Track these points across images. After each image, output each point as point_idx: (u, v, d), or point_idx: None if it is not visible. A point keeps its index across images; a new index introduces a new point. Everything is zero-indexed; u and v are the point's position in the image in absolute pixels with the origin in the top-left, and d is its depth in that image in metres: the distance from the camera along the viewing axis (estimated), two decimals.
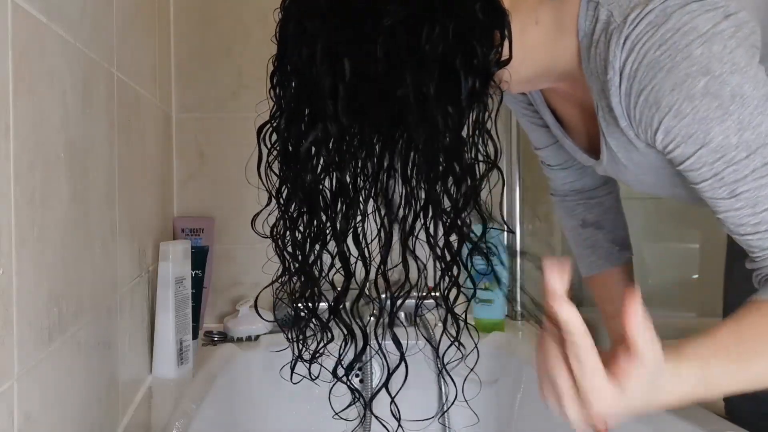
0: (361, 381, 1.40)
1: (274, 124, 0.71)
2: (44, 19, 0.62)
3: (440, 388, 1.40)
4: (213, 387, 1.12)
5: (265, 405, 1.34)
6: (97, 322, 0.80)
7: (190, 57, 1.45)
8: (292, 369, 0.83)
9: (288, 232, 0.74)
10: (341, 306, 0.75)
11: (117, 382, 0.89)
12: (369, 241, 0.70)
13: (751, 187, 0.62)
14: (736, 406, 0.95)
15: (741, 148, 0.61)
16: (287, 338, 0.82)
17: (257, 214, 0.76)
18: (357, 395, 0.85)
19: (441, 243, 0.69)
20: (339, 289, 0.74)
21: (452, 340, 0.79)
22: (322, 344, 0.81)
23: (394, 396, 0.82)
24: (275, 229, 0.75)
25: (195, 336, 1.25)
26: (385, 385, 0.81)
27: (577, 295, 1.94)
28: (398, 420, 0.84)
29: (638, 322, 0.56)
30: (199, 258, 1.28)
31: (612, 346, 0.59)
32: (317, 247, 0.73)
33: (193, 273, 1.21)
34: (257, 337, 1.37)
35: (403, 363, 0.78)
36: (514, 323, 1.51)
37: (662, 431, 0.88)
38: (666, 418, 0.88)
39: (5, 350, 0.53)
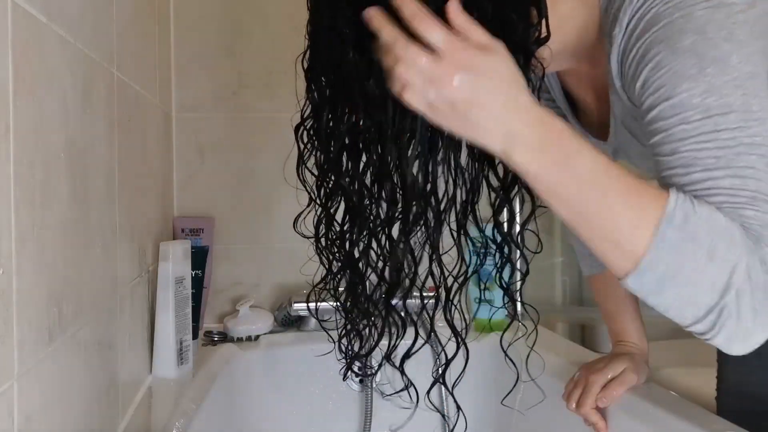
0: (361, 381, 1.40)
1: (310, 123, 0.70)
2: (44, 19, 0.62)
3: (441, 391, 1.40)
4: (213, 387, 1.12)
5: (265, 405, 1.34)
6: (97, 322, 0.80)
7: (190, 57, 1.45)
8: (348, 368, 0.84)
9: (330, 229, 0.73)
10: (393, 298, 0.74)
11: (117, 382, 0.89)
12: (415, 232, 0.69)
13: (692, 149, 0.59)
14: (726, 405, 0.95)
15: (699, 109, 0.59)
16: (336, 337, 0.81)
17: (299, 216, 0.76)
18: (409, 383, 0.85)
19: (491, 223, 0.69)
20: (387, 283, 0.73)
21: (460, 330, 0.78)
22: (372, 340, 0.80)
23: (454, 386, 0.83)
24: (319, 228, 0.74)
25: (195, 336, 1.25)
26: (442, 375, 0.82)
27: (578, 295, 1.94)
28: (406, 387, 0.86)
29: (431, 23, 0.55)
30: (199, 258, 1.28)
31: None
32: (363, 241, 0.72)
33: (193, 273, 1.21)
34: (257, 337, 1.37)
35: (461, 350, 0.78)
36: (514, 323, 1.51)
37: (662, 431, 0.88)
38: (666, 418, 0.89)
39: (5, 350, 0.53)
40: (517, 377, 0.80)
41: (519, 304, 1.54)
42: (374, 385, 1.39)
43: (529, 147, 0.57)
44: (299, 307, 1.37)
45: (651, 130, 0.63)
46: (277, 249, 1.50)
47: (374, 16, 0.57)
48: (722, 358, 1.02)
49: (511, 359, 0.82)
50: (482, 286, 1.43)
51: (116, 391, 0.89)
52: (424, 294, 0.75)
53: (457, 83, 0.56)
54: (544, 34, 0.66)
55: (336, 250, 0.75)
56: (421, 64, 0.56)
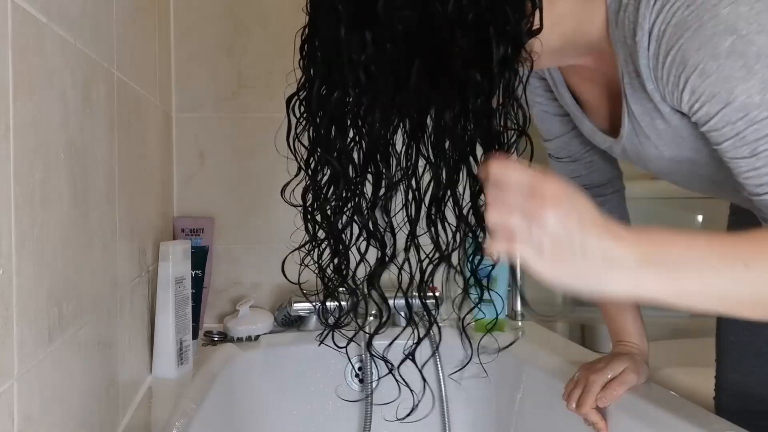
0: (361, 381, 1.40)
1: (304, 95, 0.72)
2: (44, 19, 0.62)
3: (440, 389, 1.40)
4: (213, 387, 1.12)
5: (265, 405, 1.34)
6: (97, 322, 0.80)
7: (190, 57, 1.45)
8: (324, 337, 0.85)
9: (317, 200, 0.75)
10: (376, 276, 0.75)
11: (117, 382, 0.89)
12: (397, 210, 0.71)
13: None
14: (725, 405, 0.95)
15: (763, 107, 0.60)
16: (321, 312, 0.83)
17: (287, 184, 0.77)
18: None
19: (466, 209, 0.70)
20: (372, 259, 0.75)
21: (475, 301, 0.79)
22: (349, 312, 0.81)
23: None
24: (305, 197, 0.76)
25: (195, 336, 1.25)
26: (413, 353, 0.84)
27: (578, 296, 1.94)
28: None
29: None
30: (199, 258, 1.28)
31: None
32: (348, 213, 0.74)
33: (193, 273, 1.21)
34: (257, 337, 1.37)
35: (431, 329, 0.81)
36: (514, 323, 1.51)
37: (662, 431, 0.88)
38: (666, 418, 0.89)
39: (5, 350, 0.53)
40: (470, 357, 0.82)
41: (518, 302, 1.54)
42: (373, 386, 1.39)
43: (632, 272, 0.55)
44: (299, 307, 1.37)
45: (715, 134, 0.64)
46: (277, 249, 1.49)
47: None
48: (721, 357, 1.02)
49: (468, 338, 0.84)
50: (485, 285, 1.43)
51: (116, 391, 0.89)
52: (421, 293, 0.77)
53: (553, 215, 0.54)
54: (536, 26, 0.66)
55: (321, 218, 0.76)
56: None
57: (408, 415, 0.91)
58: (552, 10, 0.67)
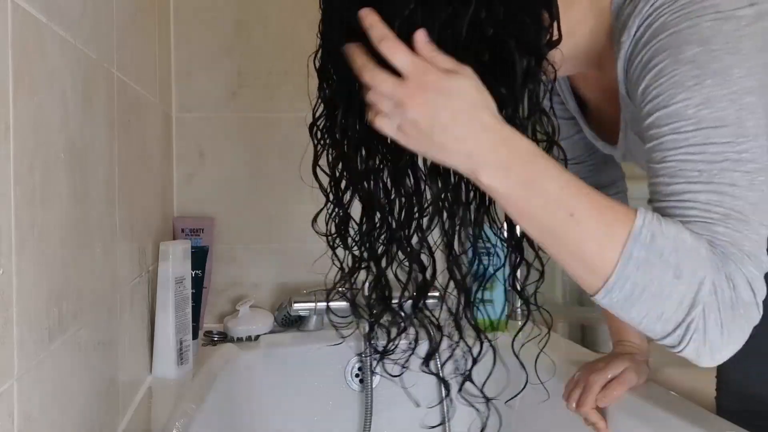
0: (361, 381, 1.40)
1: (323, 122, 0.71)
2: (44, 19, 0.62)
3: (441, 391, 1.40)
4: (213, 387, 1.12)
5: (265, 405, 1.34)
6: (97, 322, 0.80)
7: (190, 57, 1.45)
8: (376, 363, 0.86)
9: (347, 227, 0.74)
10: (421, 300, 0.75)
11: (117, 382, 0.89)
12: (429, 231, 0.71)
13: (679, 160, 0.60)
14: (726, 405, 0.95)
15: (692, 120, 0.59)
16: (367, 335, 0.83)
17: (318, 214, 0.76)
18: (442, 382, 0.87)
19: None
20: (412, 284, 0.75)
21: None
22: (396, 338, 0.81)
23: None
24: (330, 226, 0.75)
25: (195, 336, 1.25)
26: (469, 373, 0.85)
27: (578, 295, 1.94)
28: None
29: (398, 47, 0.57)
30: (199, 258, 1.28)
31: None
32: (383, 240, 0.73)
33: (193, 273, 1.21)
34: (257, 337, 1.37)
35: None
36: (514, 323, 1.51)
37: (662, 431, 0.88)
38: (666, 418, 0.89)
39: (5, 350, 0.53)
40: (526, 379, 0.81)
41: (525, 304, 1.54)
42: (373, 386, 1.39)
43: (493, 168, 0.58)
44: (299, 307, 1.37)
45: (646, 136, 0.63)
46: (277, 249, 1.50)
47: (350, 47, 0.59)
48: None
49: (521, 362, 0.83)
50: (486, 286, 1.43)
51: (116, 391, 0.89)
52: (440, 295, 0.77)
53: (420, 104, 0.57)
54: (555, 36, 0.66)
55: (354, 246, 0.75)
56: (387, 88, 0.58)
57: None
58: (566, 19, 0.67)
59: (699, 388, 1.17)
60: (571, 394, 0.98)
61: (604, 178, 1.03)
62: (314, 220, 0.77)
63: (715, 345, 0.59)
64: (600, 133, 0.87)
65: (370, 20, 0.59)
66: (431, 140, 0.58)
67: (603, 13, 0.70)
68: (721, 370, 0.99)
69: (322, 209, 0.76)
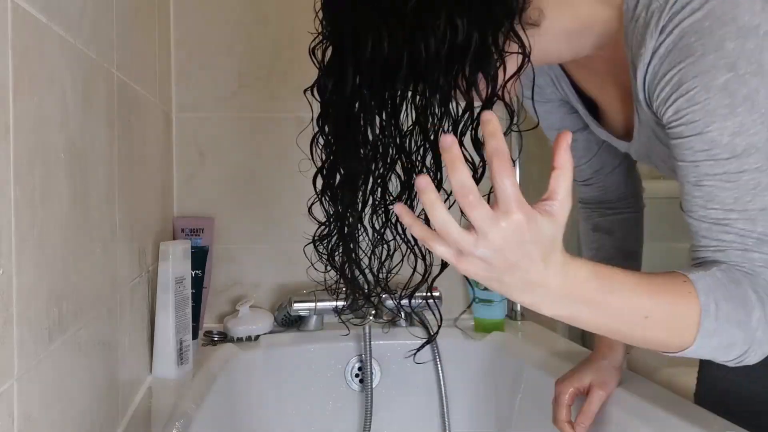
0: (361, 381, 1.40)
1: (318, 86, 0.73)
2: (44, 19, 0.62)
3: (441, 391, 1.40)
4: (213, 387, 1.12)
5: (265, 405, 1.34)
6: (97, 322, 0.80)
7: (190, 57, 1.45)
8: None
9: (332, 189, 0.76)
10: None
11: (117, 382, 0.89)
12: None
13: (715, 186, 0.66)
14: (703, 400, 0.95)
15: (727, 149, 0.64)
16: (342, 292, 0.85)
17: (313, 203, 0.77)
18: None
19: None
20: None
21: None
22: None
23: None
24: (319, 184, 0.76)
25: (195, 336, 1.25)
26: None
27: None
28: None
29: (506, 171, 0.53)
30: (199, 258, 1.28)
31: None
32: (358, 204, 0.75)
33: (193, 273, 1.21)
34: (257, 337, 1.37)
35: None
36: (514, 323, 1.51)
37: (662, 431, 0.89)
38: (666, 418, 0.89)
39: (5, 350, 0.53)
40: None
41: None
42: (373, 386, 1.39)
43: (556, 301, 0.60)
44: (299, 307, 1.37)
45: (679, 152, 0.67)
46: (277, 249, 1.50)
47: (426, 191, 0.55)
48: None
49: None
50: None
51: (116, 391, 0.89)
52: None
53: (501, 250, 0.55)
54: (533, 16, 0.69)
55: (335, 204, 0.76)
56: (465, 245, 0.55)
57: None
58: None
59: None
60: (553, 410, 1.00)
61: (611, 193, 1.04)
62: (310, 208, 0.78)
63: (764, 353, 0.67)
64: (613, 130, 0.87)
65: (453, 154, 0.54)
66: (500, 281, 0.58)
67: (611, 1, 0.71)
68: (703, 363, 1.00)
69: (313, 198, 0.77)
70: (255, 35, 1.47)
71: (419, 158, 0.71)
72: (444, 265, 0.72)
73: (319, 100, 0.73)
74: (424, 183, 0.54)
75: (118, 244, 0.90)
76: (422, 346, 0.84)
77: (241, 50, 1.47)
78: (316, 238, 0.78)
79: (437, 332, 0.86)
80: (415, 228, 0.58)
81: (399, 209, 0.58)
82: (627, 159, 1.02)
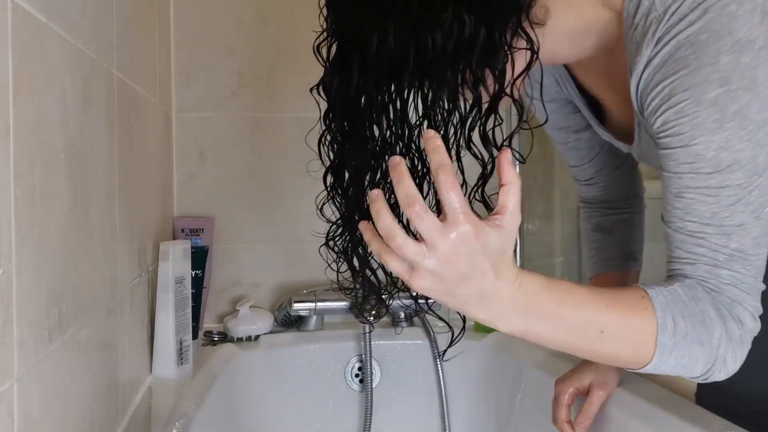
0: (361, 381, 1.40)
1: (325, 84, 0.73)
2: (44, 19, 0.62)
3: (441, 391, 1.40)
4: (213, 387, 1.12)
5: (265, 405, 1.34)
6: (97, 322, 0.80)
7: (190, 57, 1.45)
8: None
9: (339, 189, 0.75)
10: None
11: (117, 382, 0.89)
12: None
13: (695, 199, 0.66)
14: (705, 399, 0.95)
15: (712, 163, 0.64)
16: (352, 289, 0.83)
17: (323, 205, 0.76)
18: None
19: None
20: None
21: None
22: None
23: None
24: (328, 185, 0.76)
25: (195, 336, 1.25)
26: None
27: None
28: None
29: (450, 184, 0.54)
30: (199, 258, 1.28)
31: None
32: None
33: (193, 273, 1.21)
34: (257, 337, 1.37)
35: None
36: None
37: (662, 431, 0.88)
38: (666, 418, 0.89)
39: (5, 350, 0.53)
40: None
41: None
42: (373, 386, 1.39)
43: (510, 314, 0.62)
44: (299, 307, 1.37)
45: (664, 163, 0.68)
46: (276, 249, 1.50)
47: (375, 201, 0.57)
48: None
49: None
50: None
51: (116, 391, 0.89)
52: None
53: (448, 260, 0.56)
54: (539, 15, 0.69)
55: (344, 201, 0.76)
56: (413, 252, 0.56)
57: None
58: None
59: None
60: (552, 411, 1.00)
61: (613, 193, 1.04)
62: (321, 208, 0.77)
63: (731, 371, 0.68)
64: (616, 133, 0.87)
65: (400, 169, 0.56)
66: (454, 295, 0.59)
67: (613, 6, 0.71)
68: None
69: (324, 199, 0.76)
70: (255, 35, 1.47)
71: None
72: None
73: (324, 98, 0.72)
74: (374, 194, 0.56)
75: (118, 244, 0.90)
76: (450, 345, 0.84)
77: (241, 50, 1.47)
78: (328, 237, 0.78)
79: (462, 332, 0.84)
80: (372, 243, 0.59)
81: (362, 227, 0.59)
82: (629, 159, 1.02)
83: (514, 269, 0.61)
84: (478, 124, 0.68)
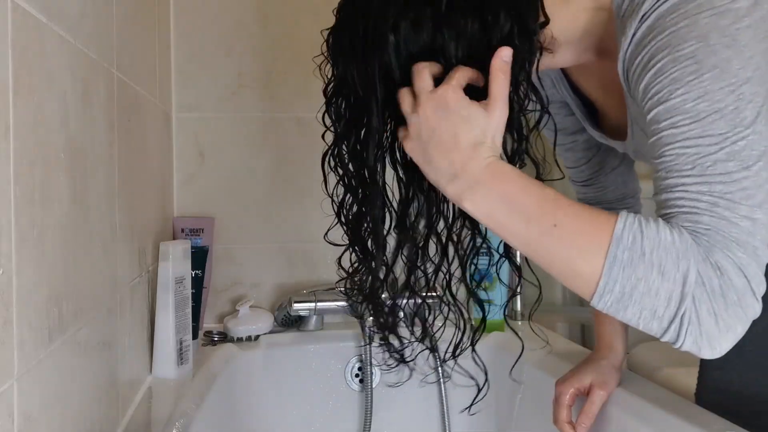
0: (361, 381, 1.40)
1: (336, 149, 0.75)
2: (44, 19, 0.62)
3: (441, 391, 1.40)
4: (213, 387, 1.12)
5: (265, 405, 1.34)
6: (97, 322, 0.80)
7: (190, 57, 1.45)
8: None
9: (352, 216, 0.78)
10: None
11: (117, 382, 0.89)
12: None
13: (674, 153, 0.61)
14: (705, 402, 0.95)
15: (689, 114, 0.60)
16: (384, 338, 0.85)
17: (330, 228, 0.79)
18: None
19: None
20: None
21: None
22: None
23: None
24: (343, 213, 0.78)
25: (195, 336, 1.25)
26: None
27: (578, 296, 1.94)
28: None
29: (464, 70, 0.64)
30: (199, 258, 1.28)
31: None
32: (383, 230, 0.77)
33: (193, 273, 1.21)
34: (257, 337, 1.37)
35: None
36: (514, 323, 1.51)
37: (662, 431, 0.88)
38: (666, 418, 0.89)
39: (5, 350, 0.53)
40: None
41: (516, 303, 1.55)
42: (373, 386, 1.39)
43: (476, 190, 0.64)
44: (299, 307, 1.37)
45: (648, 133, 0.64)
46: (277, 249, 1.50)
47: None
48: None
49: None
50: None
51: (116, 391, 0.89)
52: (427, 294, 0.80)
53: (430, 115, 0.65)
54: (542, 18, 0.70)
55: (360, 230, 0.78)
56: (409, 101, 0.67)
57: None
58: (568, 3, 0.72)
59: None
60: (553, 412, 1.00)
61: (610, 193, 1.04)
62: (326, 234, 0.80)
63: (712, 335, 0.59)
64: (609, 131, 0.87)
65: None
66: (426, 150, 0.65)
67: (605, 6, 0.71)
68: (703, 364, 1.00)
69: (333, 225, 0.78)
70: (255, 35, 1.47)
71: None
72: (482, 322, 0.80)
73: (337, 168, 0.75)
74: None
75: (118, 244, 0.90)
76: (473, 402, 0.86)
77: (241, 50, 1.47)
78: (347, 286, 0.81)
79: (485, 383, 0.87)
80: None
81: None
82: (626, 160, 1.02)
83: (491, 152, 0.64)
84: None
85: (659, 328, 0.60)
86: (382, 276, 0.77)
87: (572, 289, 0.64)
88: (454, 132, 0.64)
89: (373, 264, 0.76)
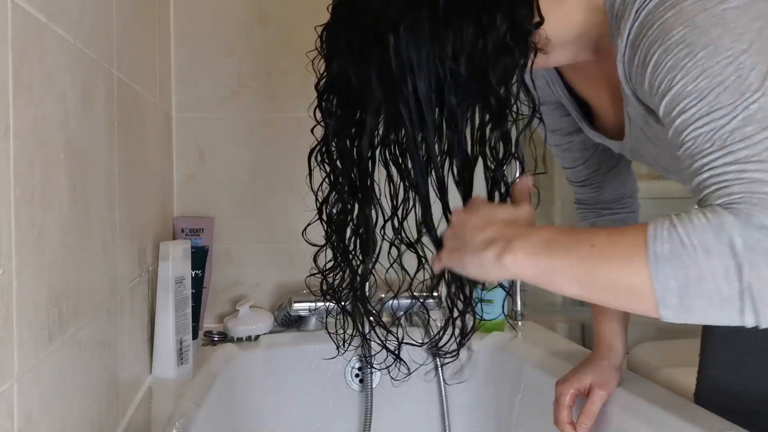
0: (361, 381, 1.41)
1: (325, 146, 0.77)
2: (44, 19, 0.62)
3: (440, 391, 1.40)
4: (213, 387, 1.12)
5: (265, 405, 1.34)
6: (97, 322, 0.80)
7: (190, 57, 1.45)
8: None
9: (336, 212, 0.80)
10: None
11: (117, 382, 0.89)
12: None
13: (692, 137, 0.59)
14: (704, 401, 0.95)
15: (694, 95, 0.59)
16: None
17: (308, 225, 0.82)
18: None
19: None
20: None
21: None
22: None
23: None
24: (324, 209, 0.81)
25: (195, 336, 1.25)
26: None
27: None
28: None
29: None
30: (199, 258, 1.28)
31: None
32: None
33: (193, 273, 1.21)
34: (257, 337, 1.37)
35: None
36: (514, 323, 1.51)
37: (662, 431, 0.88)
38: (666, 418, 0.89)
39: (5, 350, 0.53)
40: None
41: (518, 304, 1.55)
42: (373, 386, 1.39)
43: (510, 248, 0.65)
44: (299, 307, 1.37)
45: (667, 130, 0.63)
46: (277, 249, 1.50)
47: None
48: (704, 353, 1.03)
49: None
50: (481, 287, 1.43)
51: (116, 391, 0.89)
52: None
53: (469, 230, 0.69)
54: (537, 19, 0.70)
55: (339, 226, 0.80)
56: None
57: None
58: (561, 4, 0.71)
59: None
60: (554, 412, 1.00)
61: (608, 193, 1.04)
62: (305, 230, 0.83)
63: None
64: (606, 131, 0.87)
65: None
66: (466, 247, 0.68)
67: (597, 5, 0.72)
68: (703, 364, 1.00)
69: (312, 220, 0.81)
70: (255, 35, 1.47)
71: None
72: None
73: (325, 163, 0.77)
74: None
75: (118, 244, 0.90)
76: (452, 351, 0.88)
77: (241, 50, 1.47)
78: (323, 283, 0.85)
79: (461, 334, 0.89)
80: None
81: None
82: (623, 160, 1.02)
83: (528, 227, 0.67)
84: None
85: (737, 312, 0.55)
86: (363, 275, 0.79)
87: (638, 312, 0.60)
88: (484, 221, 0.68)
89: (363, 263, 0.78)
